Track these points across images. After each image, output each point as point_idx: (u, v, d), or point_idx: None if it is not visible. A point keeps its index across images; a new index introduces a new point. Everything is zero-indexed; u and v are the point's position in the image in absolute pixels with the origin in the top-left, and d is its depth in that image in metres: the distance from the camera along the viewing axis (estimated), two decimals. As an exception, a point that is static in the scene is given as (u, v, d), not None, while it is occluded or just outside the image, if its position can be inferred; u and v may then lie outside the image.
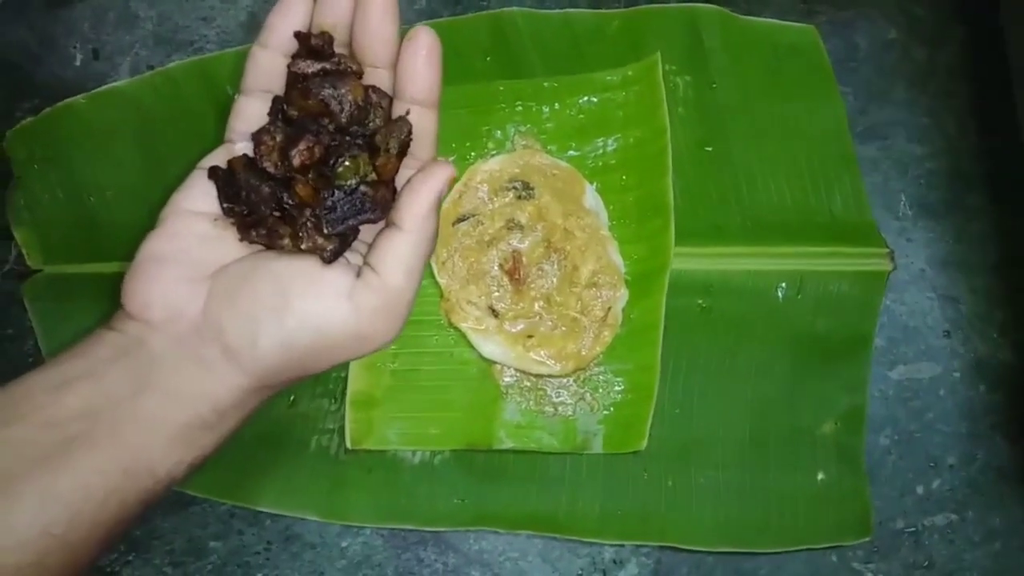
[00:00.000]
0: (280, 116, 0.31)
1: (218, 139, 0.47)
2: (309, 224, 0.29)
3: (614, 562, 0.47)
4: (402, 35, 0.32)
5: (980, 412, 0.47)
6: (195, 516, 0.47)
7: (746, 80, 0.47)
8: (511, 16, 0.47)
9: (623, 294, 0.46)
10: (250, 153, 0.31)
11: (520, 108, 0.47)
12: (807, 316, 0.47)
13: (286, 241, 0.30)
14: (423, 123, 0.32)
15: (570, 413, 0.46)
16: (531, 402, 0.46)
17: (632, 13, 0.47)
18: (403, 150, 0.30)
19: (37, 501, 0.26)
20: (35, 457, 0.27)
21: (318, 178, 0.30)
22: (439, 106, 0.32)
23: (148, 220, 0.47)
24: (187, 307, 0.30)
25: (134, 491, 0.28)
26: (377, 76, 0.32)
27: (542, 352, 0.45)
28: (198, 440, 0.29)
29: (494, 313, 0.45)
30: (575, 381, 0.46)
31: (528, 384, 0.46)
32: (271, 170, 0.30)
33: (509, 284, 0.45)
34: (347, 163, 0.29)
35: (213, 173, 0.31)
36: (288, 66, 0.31)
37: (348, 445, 0.45)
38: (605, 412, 0.46)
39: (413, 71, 0.31)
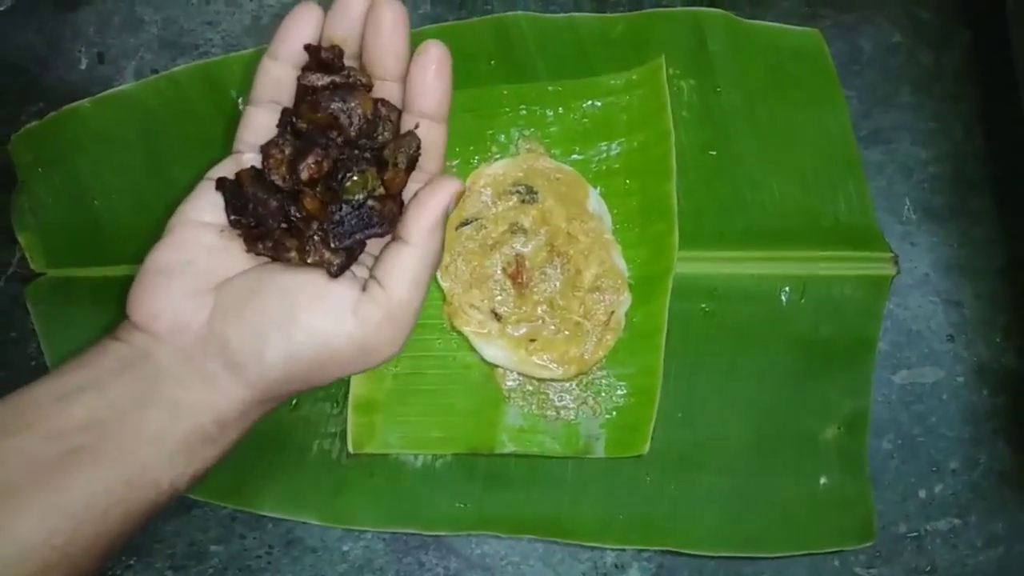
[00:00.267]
0: (289, 128, 0.31)
1: (223, 144, 0.47)
2: (316, 238, 0.29)
3: (616, 566, 0.47)
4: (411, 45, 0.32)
5: (983, 416, 0.47)
6: (196, 520, 0.47)
7: (750, 84, 0.47)
8: (515, 20, 0.47)
9: (626, 298, 0.46)
10: (258, 165, 0.31)
11: (524, 112, 0.47)
12: (810, 320, 0.46)
13: (292, 254, 0.30)
14: (432, 137, 0.32)
15: (572, 417, 0.46)
16: (533, 406, 0.46)
17: (636, 17, 0.47)
18: (411, 165, 0.30)
19: (40, 513, 0.26)
20: (39, 468, 0.27)
21: (326, 192, 0.29)
22: (448, 120, 0.32)
23: (152, 224, 0.47)
24: (192, 319, 0.30)
25: (137, 503, 0.28)
26: (387, 89, 0.32)
27: (545, 356, 0.45)
28: (201, 452, 0.29)
29: (497, 317, 0.45)
30: (578, 385, 0.46)
31: (530, 388, 0.46)
32: (279, 183, 0.30)
33: (512, 288, 0.45)
34: (355, 178, 0.29)
35: (221, 184, 0.31)
36: (298, 79, 0.31)
37: (350, 449, 0.45)
38: (607, 416, 0.46)
39: (423, 85, 0.31)
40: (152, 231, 0.47)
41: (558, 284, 0.45)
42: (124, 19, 0.50)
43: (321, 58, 0.30)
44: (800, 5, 0.49)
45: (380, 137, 0.31)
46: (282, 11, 0.50)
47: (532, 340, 0.45)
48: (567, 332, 0.45)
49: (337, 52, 0.30)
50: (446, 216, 0.31)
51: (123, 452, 0.28)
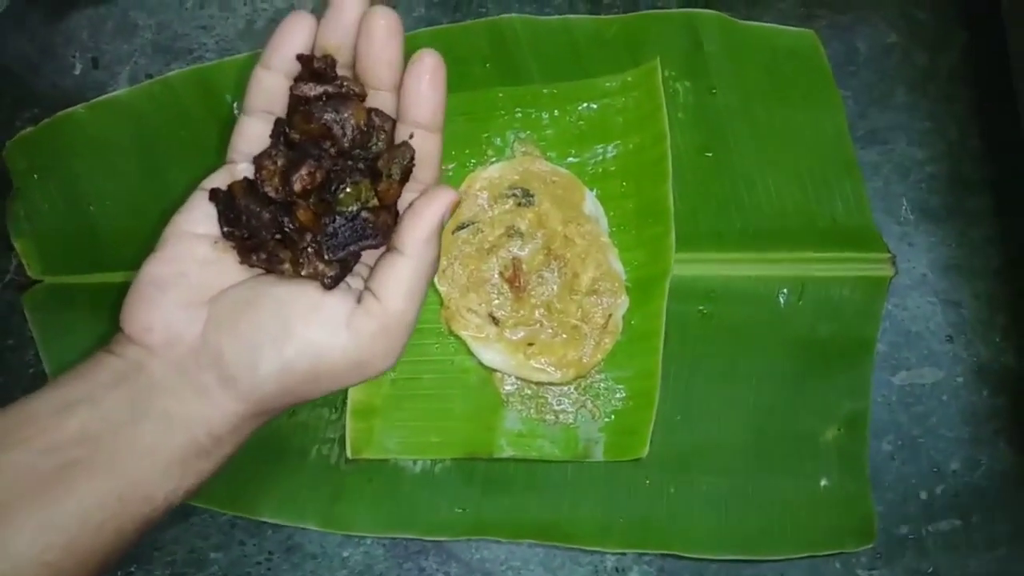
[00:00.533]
0: (282, 139, 0.30)
1: (218, 148, 0.47)
2: (310, 250, 0.29)
3: (616, 570, 0.47)
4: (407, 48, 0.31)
5: (983, 417, 0.47)
6: (196, 527, 0.47)
7: (746, 85, 0.47)
8: (510, 23, 0.47)
9: (624, 301, 0.46)
10: (252, 176, 0.31)
11: (519, 115, 0.47)
12: (809, 322, 0.46)
13: (286, 266, 0.30)
14: (426, 147, 0.31)
15: (571, 421, 0.46)
16: (532, 410, 0.46)
17: (631, 19, 0.47)
18: (405, 175, 0.30)
19: (34, 528, 0.26)
20: (33, 483, 0.26)
21: (319, 203, 0.29)
22: (443, 129, 0.32)
23: (148, 229, 0.47)
24: (186, 332, 0.29)
25: (131, 517, 0.28)
26: (380, 98, 0.31)
27: (543, 360, 0.45)
28: (195, 466, 0.29)
29: (494, 321, 0.45)
30: (576, 389, 0.46)
31: (529, 392, 0.46)
32: (272, 194, 0.29)
33: (509, 292, 0.45)
34: (348, 189, 0.29)
35: (214, 196, 0.31)
36: (290, 89, 0.30)
37: (349, 454, 0.45)
38: (606, 419, 0.46)
39: (417, 94, 0.30)
40: (148, 236, 0.47)
41: (555, 287, 0.45)
42: (118, 24, 0.50)
43: (314, 68, 0.30)
44: (796, 6, 0.49)
45: (374, 147, 0.30)
46: (276, 15, 0.50)
47: (530, 344, 0.45)
48: (565, 335, 0.45)
49: (329, 62, 0.30)
50: (441, 226, 0.31)
51: (117, 466, 0.28)
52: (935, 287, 0.48)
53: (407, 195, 0.32)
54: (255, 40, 0.50)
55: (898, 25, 0.49)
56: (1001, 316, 0.47)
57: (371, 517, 0.46)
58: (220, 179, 0.32)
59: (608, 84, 0.47)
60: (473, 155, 0.47)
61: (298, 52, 0.30)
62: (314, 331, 0.29)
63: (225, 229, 0.30)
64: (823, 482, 0.46)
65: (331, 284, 0.30)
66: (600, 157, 0.47)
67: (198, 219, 0.31)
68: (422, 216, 0.30)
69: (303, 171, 0.28)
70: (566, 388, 0.46)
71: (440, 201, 0.30)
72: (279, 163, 0.29)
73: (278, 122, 0.31)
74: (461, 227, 0.46)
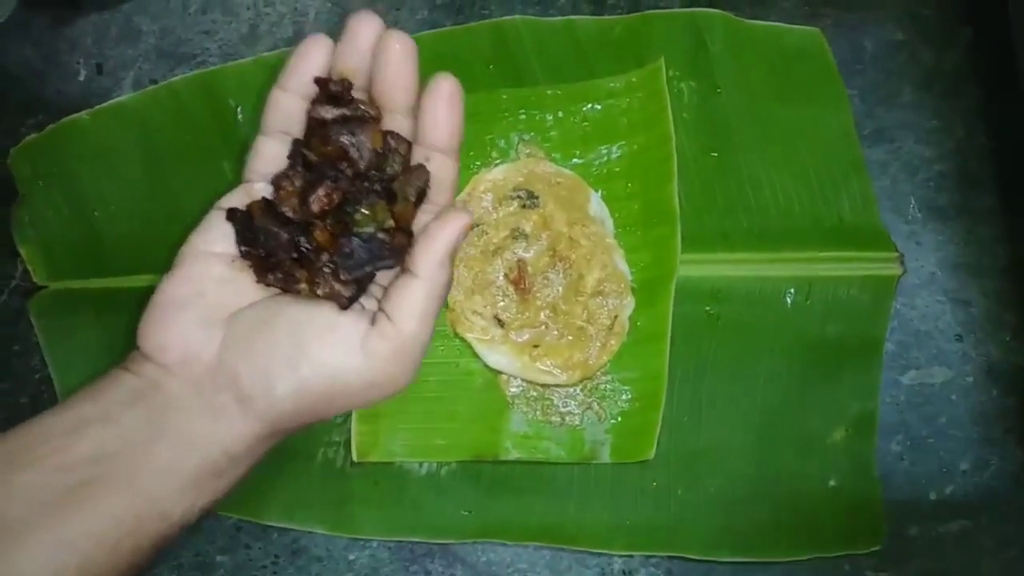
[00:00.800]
0: (299, 160, 0.31)
1: (222, 153, 0.48)
2: (326, 270, 0.30)
3: (623, 573, 0.46)
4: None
5: (993, 417, 0.47)
6: (202, 531, 0.47)
7: (751, 84, 0.47)
8: (513, 24, 0.47)
9: (629, 302, 0.45)
10: (269, 196, 0.31)
11: (523, 116, 0.47)
12: (816, 322, 0.46)
13: (302, 286, 0.30)
14: (443, 170, 0.32)
15: (577, 423, 0.45)
16: (538, 412, 0.46)
17: (635, 19, 0.46)
18: (420, 197, 0.31)
19: (49, 548, 0.26)
20: (48, 502, 0.26)
21: (336, 223, 0.30)
22: (459, 153, 0.32)
23: (153, 234, 0.48)
24: (202, 351, 0.30)
25: (146, 536, 0.28)
26: (396, 121, 0.32)
27: (548, 362, 0.45)
28: (210, 485, 0.29)
29: (500, 323, 0.45)
30: (582, 390, 0.46)
31: (535, 394, 0.46)
32: (290, 214, 0.30)
33: (514, 294, 0.45)
34: (365, 210, 0.29)
35: (231, 215, 0.31)
36: (308, 111, 0.31)
37: (354, 458, 0.45)
38: (613, 421, 0.45)
39: (434, 119, 0.31)
40: (153, 242, 0.48)
41: (560, 289, 0.45)
42: (121, 30, 0.50)
43: (331, 91, 0.30)
44: (800, 4, 0.48)
45: (390, 169, 0.31)
46: (279, 20, 0.50)
47: (535, 346, 0.45)
48: (570, 337, 0.45)
49: (346, 85, 0.30)
50: (455, 249, 0.31)
51: (133, 485, 0.28)
52: (944, 286, 0.47)
53: (422, 217, 0.32)
54: (258, 45, 0.50)
55: (904, 23, 0.48)
56: (1011, 315, 0.47)
57: (377, 520, 0.46)
58: (237, 199, 0.32)
59: (612, 85, 0.47)
60: (477, 157, 0.47)
61: (315, 74, 0.31)
62: (329, 352, 0.29)
63: (243, 249, 0.31)
64: (831, 483, 0.45)
65: (347, 304, 0.30)
66: (605, 158, 0.47)
67: (215, 238, 0.31)
68: (436, 238, 0.30)
69: (321, 192, 0.29)
70: (572, 390, 0.46)
71: (454, 224, 0.30)
72: (297, 184, 0.30)
73: (296, 143, 0.31)
74: (465, 229, 0.45)
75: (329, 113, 0.30)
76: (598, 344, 0.45)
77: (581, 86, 0.47)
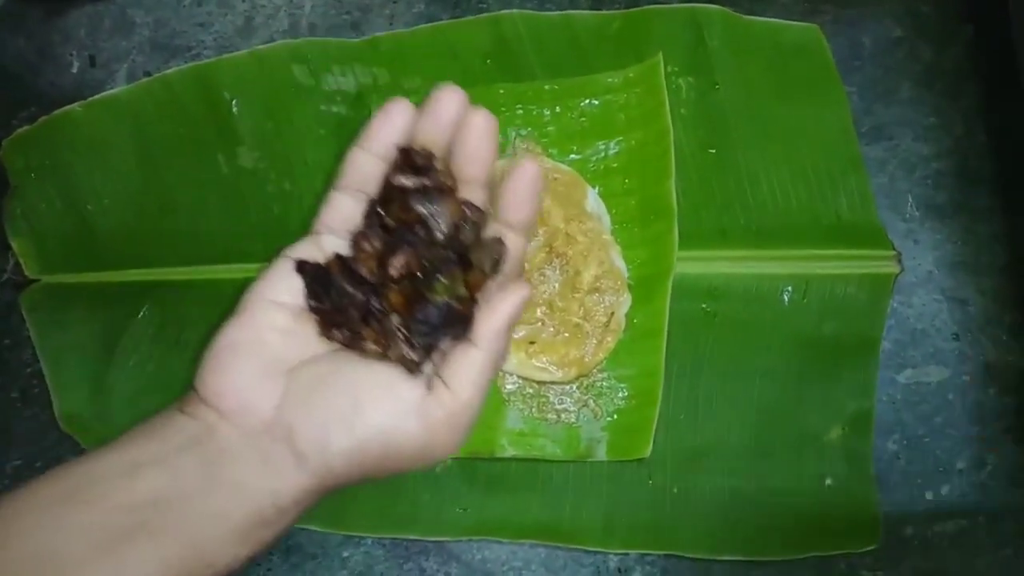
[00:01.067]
0: (376, 222, 0.31)
1: (216, 146, 0.47)
2: (399, 334, 0.30)
3: (619, 571, 0.46)
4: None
5: (990, 416, 0.47)
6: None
7: (749, 81, 0.46)
8: (511, 18, 0.46)
9: (626, 299, 0.45)
10: (339, 248, 0.32)
11: (521, 111, 0.47)
12: (813, 320, 0.46)
13: (369, 345, 0.30)
14: (514, 247, 0.32)
15: (573, 420, 0.45)
16: (534, 409, 0.45)
17: (633, 14, 0.46)
18: (495, 270, 0.31)
19: None
20: (101, 543, 0.27)
21: (409, 288, 0.30)
22: (530, 232, 0.33)
23: (146, 228, 0.47)
24: (261, 403, 0.30)
25: None
26: (470, 190, 0.32)
27: (544, 358, 0.44)
28: (257, 535, 0.29)
29: (495, 319, 0.45)
30: (578, 388, 0.45)
31: (531, 391, 0.45)
32: (366, 275, 0.30)
33: (510, 290, 0.45)
34: (444, 280, 0.30)
35: (301, 268, 0.31)
36: (389, 178, 0.31)
37: (349, 454, 0.45)
38: (609, 419, 0.45)
39: (516, 200, 0.31)
40: (146, 235, 0.48)
41: (557, 286, 0.45)
42: (115, 22, 0.49)
43: (415, 162, 0.31)
44: (799, 1, 0.48)
45: (463, 238, 0.31)
46: (274, 12, 0.49)
47: (531, 343, 0.45)
48: (567, 334, 0.45)
49: (429, 157, 0.31)
50: (514, 322, 0.31)
51: (184, 531, 0.28)
52: (941, 284, 0.47)
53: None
54: (254, 37, 0.49)
55: (903, 19, 0.48)
56: (1008, 314, 0.47)
57: (372, 517, 0.46)
58: (305, 250, 0.32)
59: (610, 80, 0.46)
60: (474, 152, 0.47)
61: (395, 138, 0.31)
62: (386, 415, 0.29)
63: (312, 303, 0.31)
64: (827, 482, 0.45)
65: (415, 369, 0.30)
66: (602, 154, 0.47)
67: (280, 288, 0.31)
68: (498, 310, 0.30)
69: (401, 258, 0.29)
70: (568, 387, 0.45)
71: (516, 296, 0.31)
72: (376, 246, 0.30)
73: (372, 204, 0.32)
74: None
75: (410, 181, 0.30)
76: (594, 341, 0.45)
77: (579, 81, 0.46)
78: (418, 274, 0.30)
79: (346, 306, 0.30)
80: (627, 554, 0.46)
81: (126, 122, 0.47)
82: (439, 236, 0.30)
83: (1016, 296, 0.47)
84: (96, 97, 0.47)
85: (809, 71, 0.46)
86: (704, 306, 0.46)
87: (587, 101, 0.46)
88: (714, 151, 0.47)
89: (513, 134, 0.47)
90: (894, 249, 0.46)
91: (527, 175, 0.31)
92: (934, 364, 0.47)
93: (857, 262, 0.46)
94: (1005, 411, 0.46)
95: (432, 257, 0.30)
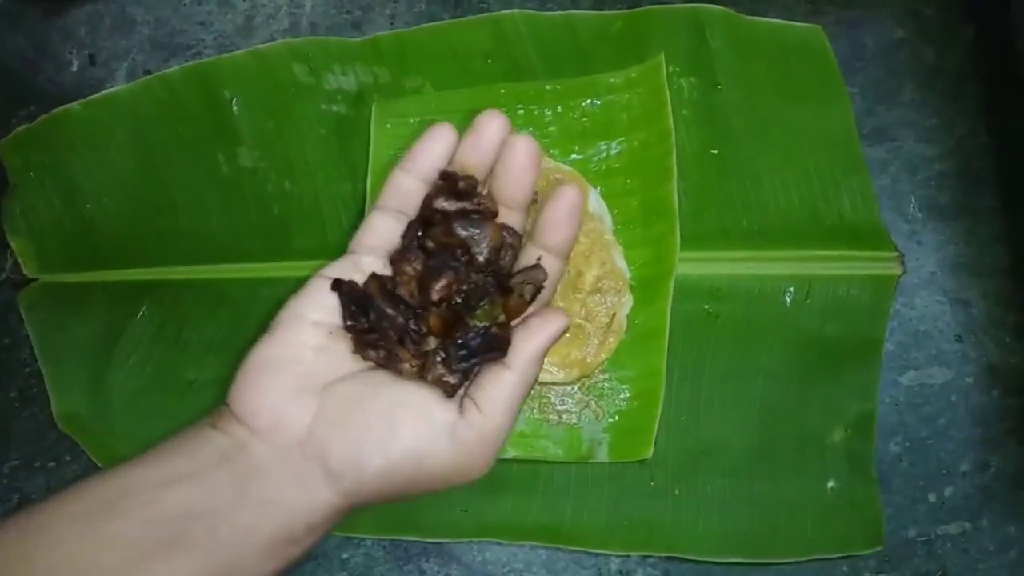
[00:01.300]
0: (416, 244, 0.32)
1: (216, 145, 0.47)
2: (438, 357, 0.30)
3: (620, 573, 0.46)
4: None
5: (993, 417, 0.46)
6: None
7: (752, 81, 0.46)
8: (512, 18, 0.46)
9: (628, 300, 0.45)
10: (376, 268, 0.32)
11: (522, 111, 0.46)
12: (815, 321, 0.46)
13: (405, 366, 0.31)
14: (552, 271, 0.33)
15: (575, 421, 0.45)
16: (535, 410, 0.45)
17: (635, 14, 0.46)
18: (535, 296, 0.32)
19: None
20: (132, 556, 0.27)
21: (448, 311, 0.30)
22: (568, 256, 0.34)
23: (145, 227, 0.47)
24: (294, 421, 0.30)
25: None
26: (509, 215, 0.33)
27: (546, 359, 0.44)
28: (286, 552, 0.29)
29: (497, 320, 0.44)
30: (580, 388, 0.45)
31: (532, 392, 0.45)
32: (406, 297, 0.31)
33: (512, 290, 0.45)
34: (485, 306, 0.30)
35: (337, 286, 0.31)
36: (431, 202, 0.32)
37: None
38: (610, 420, 0.45)
39: (555, 224, 0.32)
40: (145, 234, 0.47)
41: (558, 286, 0.45)
42: (115, 20, 0.49)
43: (458, 188, 0.31)
44: (802, 1, 0.48)
45: (503, 262, 0.32)
46: (275, 12, 0.49)
47: (532, 343, 0.44)
48: (568, 335, 0.44)
49: (473, 182, 0.32)
50: (545, 353, 0.32)
51: (214, 546, 0.28)
52: (944, 286, 0.47)
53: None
54: (254, 36, 0.49)
55: (905, 20, 0.48)
56: (1011, 315, 0.47)
57: (371, 518, 0.45)
58: (342, 269, 0.32)
59: (612, 80, 0.46)
60: (475, 152, 0.46)
61: (438, 162, 0.32)
62: (419, 437, 0.30)
63: (348, 322, 0.31)
64: (830, 484, 0.45)
65: (452, 392, 0.30)
66: (604, 154, 0.46)
67: (315, 306, 0.31)
68: (534, 336, 0.31)
69: (443, 282, 0.30)
70: (569, 388, 0.45)
71: (553, 324, 0.31)
72: (417, 268, 0.31)
73: (412, 226, 0.32)
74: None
75: (452, 206, 0.31)
76: (596, 342, 0.44)
77: (580, 81, 0.46)
78: (457, 299, 0.30)
79: (386, 328, 0.30)
80: (628, 556, 0.46)
81: (126, 121, 0.47)
82: (480, 260, 0.30)
83: (1019, 297, 0.47)
84: (96, 96, 0.47)
85: (811, 72, 0.46)
86: (706, 307, 0.46)
87: (589, 101, 0.46)
88: (716, 152, 0.47)
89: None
90: (897, 250, 0.46)
91: (568, 199, 0.32)
92: (937, 366, 0.47)
93: (860, 263, 0.46)
94: (1008, 413, 0.46)
95: (472, 282, 0.30)
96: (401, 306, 0.31)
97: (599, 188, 0.46)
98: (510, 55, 0.47)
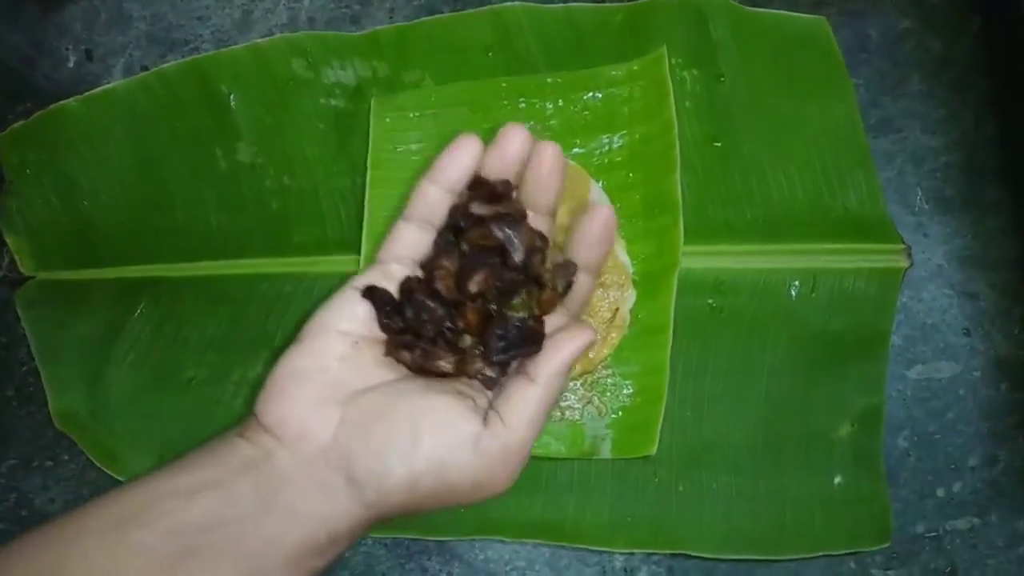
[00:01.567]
0: (450, 246, 0.33)
1: (215, 140, 0.47)
2: (476, 351, 0.31)
3: (624, 571, 0.45)
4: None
5: (1002, 411, 0.46)
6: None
7: (755, 73, 0.46)
8: (513, 11, 0.46)
9: (631, 294, 0.44)
10: (408, 275, 0.33)
11: (523, 105, 0.46)
12: (821, 315, 0.45)
13: (443, 364, 0.31)
14: (582, 285, 0.34)
15: (577, 417, 0.44)
16: (537, 407, 0.45)
17: (637, 6, 0.46)
18: (566, 290, 0.33)
19: None
20: (159, 564, 0.27)
21: (484, 306, 0.31)
22: (599, 273, 0.35)
23: (143, 224, 0.47)
24: (319, 429, 0.30)
25: None
26: (537, 221, 0.34)
27: (548, 355, 0.44)
28: (308, 563, 0.30)
29: (498, 315, 0.44)
30: (582, 384, 0.45)
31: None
32: (443, 293, 0.31)
33: (513, 285, 0.44)
34: (522, 297, 0.31)
35: (371, 293, 0.32)
36: (467, 208, 0.33)
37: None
38: (613, 416, 0.44)
39: (588, 245, 0.33)
40: (143, 231, 0.47)
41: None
42: (112, 15, 0.49)
43: (496, 190, 0.33)
44: (805, -8, 0.48)
45: (535, 262, 0.32)
46: (273, 6, 0.49)
47: (535, 339, 0.44)
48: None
49: (508, 186, 0.33)
50: (575, 363, 0.32)
51: (238, 555, 0.28)
52: (951, 279, 0.47)
53: (551, 320, 0.33)
54: (252, 31, 0.49)
55: (910, 11, 0.48)
56: (1019, 308, 0.46)
57: (373, 517, 0.45)
58: (372, 277, 0.33)
59: (614, 73, 0.46)
60: (476, 146, 0.46)
61: (463, 173, 0.33)
62: (442, 447, 0.30)
63: (384, 321, 0.32)
64: (837, 479, 0.45)
65: (491, 384, 0.31)
66: (606, 147, 0.46)
67: (343, 316, 0.32)
68: (561, 349, 0.31)
69: (481, 275, 0.31)
70: (572, 384, 0.45)
71: (580, 339, 0.32)
72: (454, 264, 0.32)
73: (444, 232, 0.33)
74: (464, 219, 0.45)
75: (487, 210, 0.32)
76: (599, 337, 0.44)
77: (582, 74, 0.46)
78: (494, 293, 0.31)
79: (425, 324, 0.31)
80: (632, 553, 0.45)
81: (123, 117, 0.47)
82: (516, 260, 0.31)
83: (1027, 290, 0.46)
84: (93, 92, 0.47)
85: (815, 63, 0.45)
86: (710, 301, 0.46)
87: (590, 94, 0.46)
88: (719, 144, 0.46)
89: (515, 127, 0.46)
90: (903, 243, 0.45)
91: (602, 218, 0.33)
92: (944, 359, 0.46)
93: (866, 256, 0.45)
94: (1017, 407, 0.46)
95: (508, 278, 0.31)
96: (439, 300, 0.31)
97: (601, 182, 0.45)
98: (511, 48, 0.46)
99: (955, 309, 0.46)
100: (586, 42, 0.46)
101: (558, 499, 0.45)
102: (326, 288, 0.47)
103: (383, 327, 0.32)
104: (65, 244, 0.47)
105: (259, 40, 0.47)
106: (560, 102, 0.46)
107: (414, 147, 0.46)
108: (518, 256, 0.31)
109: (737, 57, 0.46)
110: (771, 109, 0.46)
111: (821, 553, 0.44)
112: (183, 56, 0.48)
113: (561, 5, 0.46)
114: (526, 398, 0.31)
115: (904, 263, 0.45)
